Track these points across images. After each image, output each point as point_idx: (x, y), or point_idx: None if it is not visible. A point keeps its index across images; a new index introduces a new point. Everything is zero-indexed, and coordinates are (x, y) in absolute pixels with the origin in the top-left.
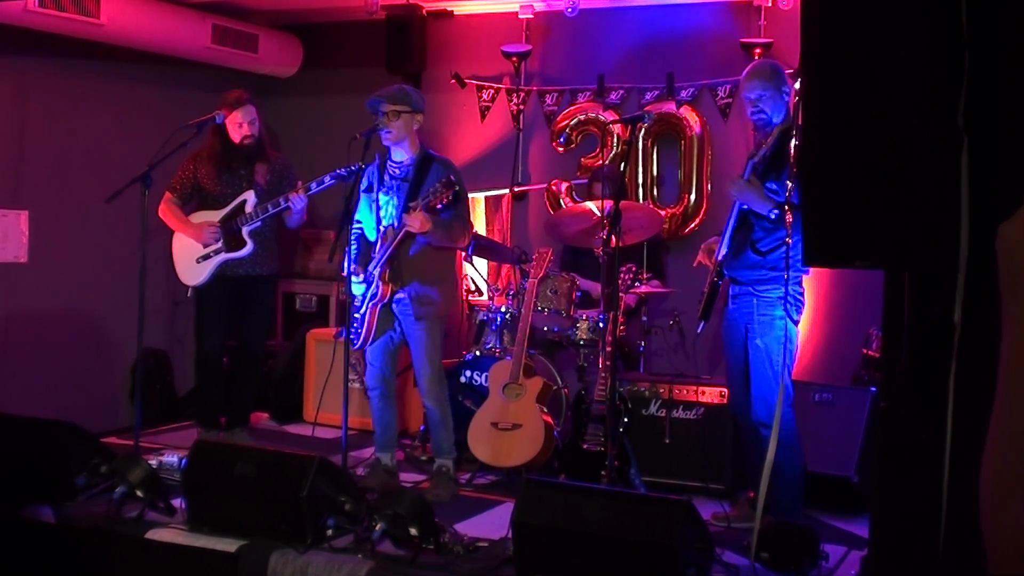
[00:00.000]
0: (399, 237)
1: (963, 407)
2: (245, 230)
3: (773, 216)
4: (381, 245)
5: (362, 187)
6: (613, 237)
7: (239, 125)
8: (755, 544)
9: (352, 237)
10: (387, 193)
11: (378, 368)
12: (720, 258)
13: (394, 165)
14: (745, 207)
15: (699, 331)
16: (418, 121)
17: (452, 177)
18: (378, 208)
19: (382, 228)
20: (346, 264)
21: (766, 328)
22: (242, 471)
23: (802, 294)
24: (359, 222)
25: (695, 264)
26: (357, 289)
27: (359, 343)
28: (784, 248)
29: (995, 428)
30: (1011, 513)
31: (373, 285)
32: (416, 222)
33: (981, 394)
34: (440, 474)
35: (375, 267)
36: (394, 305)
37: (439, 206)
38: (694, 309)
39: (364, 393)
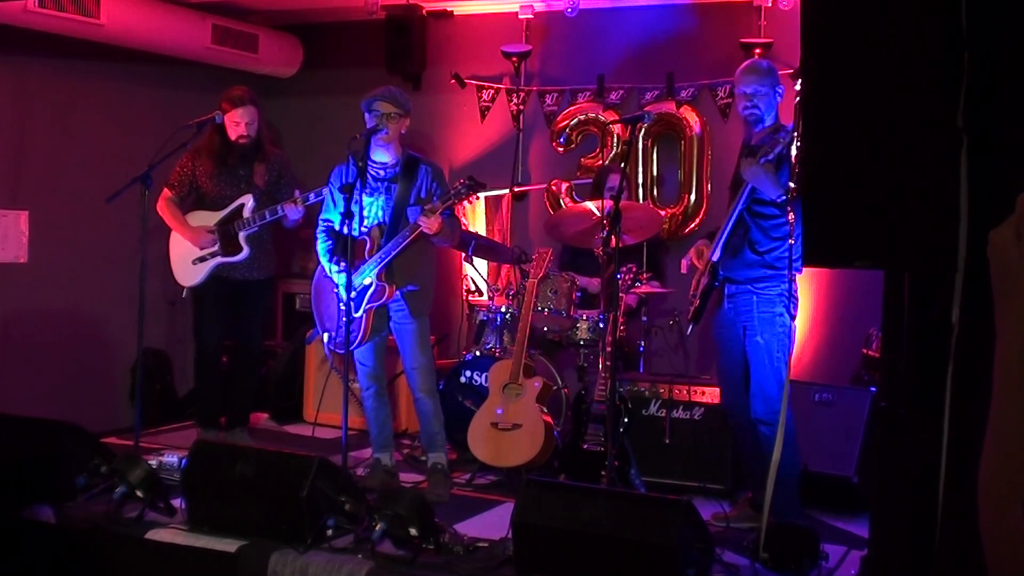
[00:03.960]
0: (412, 237)
1: (961, 406)
2: (242, 235)
3: (780, 200)
4: (369, 245)
5: (336, 186)
6: (613, 237)
7: (236, 124)
8: (763, 543)
9: (320, 231)
10: (371, 194)
11: (370, 367)
12: (715, 259)
13: (377, 166)
14: (741, 206)
15: (688, 333)
16: (406, 124)
17: (474, 177)
18: (361, 208)
19: (365, 227)
20: (329, 266)
21: (767, 325)
22: (242, 471)
23: (796, 290)
24: (328, 220)
25: (684, 268)
26: (339, 279)
27: (353, 345)
28: (783, 247)
29: (991, 433)
30: (1009, 518)
31: (373, 286)
32: (436, 224)
33: (979, 393)
34: (437, 472)
35: (375, 268)
36: (391, 304)
37: (461, 208)
38: (686, 310)
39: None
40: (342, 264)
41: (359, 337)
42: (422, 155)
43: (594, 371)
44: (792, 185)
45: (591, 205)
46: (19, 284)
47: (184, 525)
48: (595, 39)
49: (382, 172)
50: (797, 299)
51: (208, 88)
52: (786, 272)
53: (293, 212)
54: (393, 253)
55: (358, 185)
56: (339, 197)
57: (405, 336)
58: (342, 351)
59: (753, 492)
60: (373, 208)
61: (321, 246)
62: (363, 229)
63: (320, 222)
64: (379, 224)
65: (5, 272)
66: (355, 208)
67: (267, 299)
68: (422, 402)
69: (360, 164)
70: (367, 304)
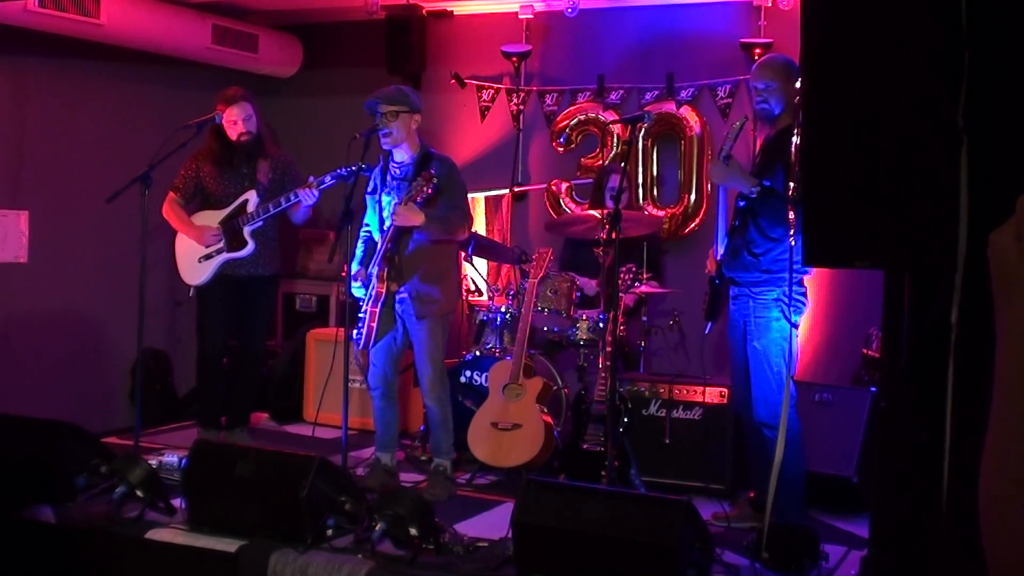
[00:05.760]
0: (389, 234)
1: (962, 407)
2: (247, 230)
3: (753, 195)
4: (380, 244)
5: (367, 189)
6: (613, 236)
7: (233, 122)
8: (764, 544)
9: (360, 240)
10: (389, 193)
11: (380, 369)
12: (719, 258)
13: (395, 165)
14: (741, 203)
15: (707, 332)
16: (416, 121)
17: (432, 170)
18: (380, 209)
19: (385, 228)
20: (353, 266)
21: (763, 330)
22: (242, 471)
23: (804, 294)
24: (367, 225)
25: (707, 271)
26: (357, 292)
27: (362, 344)
28: (779, 249)
29: (992, 435)
30: (1011, 522)
31: (371, 284)
32: (402, 216)
33: (980, 394)
34: (437, 474)
35: (372, 266)
36: (397, 305)
37: (420, 199)
38: (694, 309)
39: (366, 393)
40: (358, 269)
41: (364, 335)
42: (438, 150)
43: (594, 371)
44: (792, 185)
45: (595, 214)
46: (19, 284)
47: (184, 525)
48: (595, 39)
49: (399, 171)
50: (803, 302)
51: (208, 88)
52: (783, 275)
53: (308, 197)
54: (381, 250)
55: (379, 186)
56: (370, 200)
57: (414, 339)
58: (359, 348)
59: (756, 492)
60: (390, 207)
61: (357, 251)
62: (383, 229)
63: (362, 224)
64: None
65: (5, 272)
66: (376, 208)
67: (273, 296)
68: (429, 410)
69: (360, 164)
70: (369, 303)
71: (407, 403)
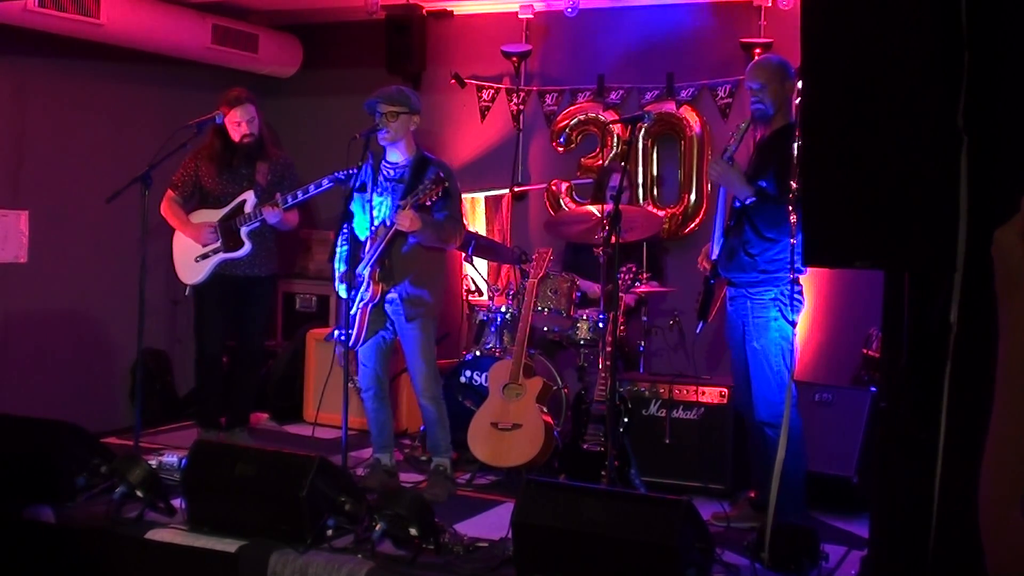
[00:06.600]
0: (388, 235)
1: (960, 406)
2: (244, 230)
3: (749, 202)
4: (371, 245)
5: (354, 187)
6: (613, 237)
7: (237, 124)
8: (768, 544)
9: (342, 238)
10: (381, 193)
11: (371, 368)
12: (714, 258)
13: (389, 166)
14: (737, 203)
15: (698, 331)
16: (415, 122)
17: (441, 174)
18: (371, 208)
19: (374, 227)
20: (338, 265)
21: (761, 330)
22: (242, 471)
23: (800, 292)
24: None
25: (699, 266)
26: (342, 292)
27: (351, 343)
28: (775, 249)
29: (993, 435)
30: (1010, 520)
31: (364, 285)
32: (406, 220)
33: (978, 394)
34: (437, 473)
35: (365, 267)
36: (387, 305)
37: (428, 203)
38: (694, 309)
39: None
40: (343, 266)
41: (355, 334)
42: (435, 155)
43: (594, 371)
44: (793, 185)
45: (593, 209)
46: (19, 284)
47: (184, 525)
48: (595, 39)
49: (392, 172)
50: (801, 301)
51: (208, 88)
52: (780, 275)
53: (271, 216)
54: (376, 251)
55: (370, 185)
56: (357, 197)
57: (404, 339)
58: (340, 349)
59: (757, 492)
60: (382, 208)
61: (339, 249)
62: (372, 228)
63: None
64: (384, 223)
65: (5, 272)
66: (365, 207)
67: (269, 297)
68: (424, 408)
69: (360, 164)
70: (359, 302)
71: (407, 404)
